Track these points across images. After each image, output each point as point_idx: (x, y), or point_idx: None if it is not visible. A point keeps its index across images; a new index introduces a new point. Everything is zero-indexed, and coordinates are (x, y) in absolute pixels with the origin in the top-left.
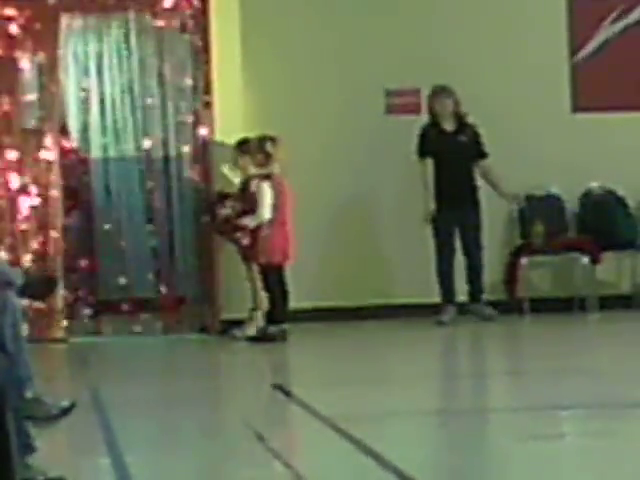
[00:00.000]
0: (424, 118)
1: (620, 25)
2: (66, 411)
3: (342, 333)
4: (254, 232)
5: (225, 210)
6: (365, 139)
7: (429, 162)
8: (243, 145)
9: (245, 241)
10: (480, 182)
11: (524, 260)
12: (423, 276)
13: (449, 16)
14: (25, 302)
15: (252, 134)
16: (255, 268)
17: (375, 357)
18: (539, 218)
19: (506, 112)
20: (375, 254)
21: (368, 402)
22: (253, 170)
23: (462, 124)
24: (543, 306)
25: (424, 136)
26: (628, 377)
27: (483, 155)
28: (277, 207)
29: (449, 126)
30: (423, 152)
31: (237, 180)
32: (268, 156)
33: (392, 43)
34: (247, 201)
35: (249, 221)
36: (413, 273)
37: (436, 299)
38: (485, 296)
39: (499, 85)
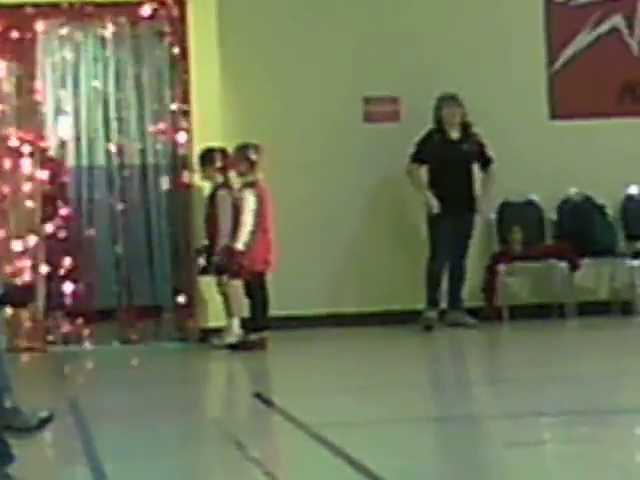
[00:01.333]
0: (403, 126)
1: (596, 33)
2: (45, 422)
3: (322, 341)
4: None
5: (215, 259)
6: (344, 147)
7: (422, 168)
8: (206, 155)
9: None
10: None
11: (502, 267)
12: (405, 283)
13: (429, 25)
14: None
15: (231, 142)
16: (228, 279)
17: (356, 365)
18: (517, 225)
19: (484, 120)
20: (355, 261)
21: (349, 410)
22: (220, 179)
23: (467, 133)
24: (522, 313)
25: (425, 142)
26: (608, 383)
27: (489, 161)
28: (259, 215)
29: (454, 134)
30: (419, 158)
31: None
32: (251, 164)
33: (371, 51)
34: (215, 213)
35: (240, 245)
36: (395, 280)
37: (417, 306)
38: (464, 303)
39: (477, 93)
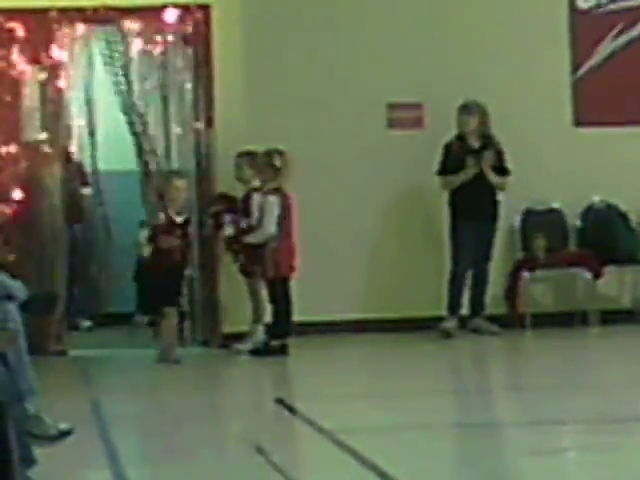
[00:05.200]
0: (427, 132)
1: (622, 40)
2: (64, 434)
3: (344, 347)
4: (258, 247)
5: (228, 229)
6: (367, 153)
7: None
8: (248, 156)
9: (244, 258)
10: (501, 197)
11: (525, 274)
12: (427, 289)
13: (452, 31)
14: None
15: (255, 148)
16: (258, 282)
17: (378, 371)
18: (541, 232)
19: (508, 126)
20: (378, 267)
21: (371, 416)
22: (256, 183)
23: (488, 142)
24: (545, 321)
25: (446, 154)
26: (630, 392)
27: (503, 171)
28: (283, 220)
29: (474, 143)
30: (444, 170)
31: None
32: (276, 170)
33: (396, 56)
34: (249, 215)
35: (252, 238)
36: (418, 286)
37: (439, 313)
38: (486, 310)
39: (501, 100)
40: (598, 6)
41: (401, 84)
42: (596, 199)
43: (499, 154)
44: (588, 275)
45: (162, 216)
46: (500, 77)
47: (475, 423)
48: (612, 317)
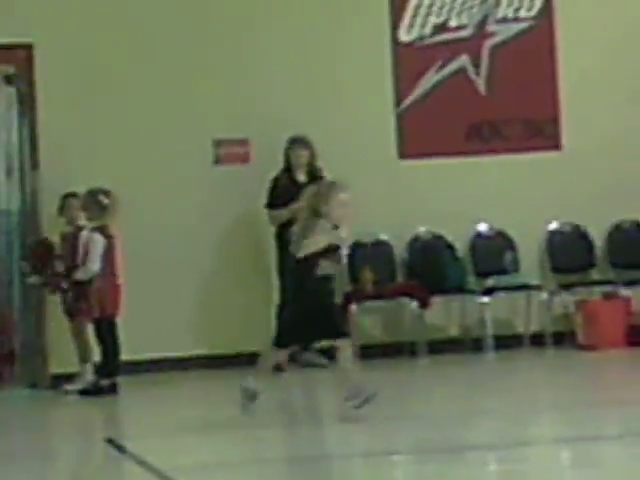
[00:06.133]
0: (253, 167)
1: (443, 73)
2: None
3: (174, 384)
4: (83, 286)
5: (32, 278)
6: (194, 189)
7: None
8: (72, 197)
9: (71, 296)
10: None
11: (354, 307)
12: (257, 323)
13: (279, 68)
14: None
15: (80, 188)
16: (84, 321)
17: (208, 406)
18: (368, 264)
19: (334, 160)
20: (207, 303)
21: (201, 452)
22: (82, 221)
23: (315, 176)
24: (375, 352)
25: (275, 186)
26: (458, 420)
27: None
28: (108, 259)
29: (301, 177)
30: (273, 204)
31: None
32: (102, 208)
33: (222, 94)
34: (75, 253)
35: (80, 274)
36: (247, 320)
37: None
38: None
39: (326, 134)
40: (420, 39)
41: (227, 120)
42: (422, 230)
43: None
44: (415, 306)
45: None
46: (326, 113)
47: (303, 456)
48: (440, 346)
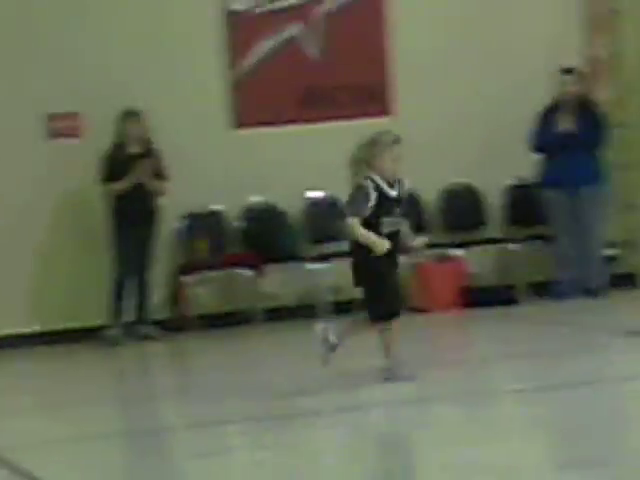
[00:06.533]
0: (85, 142)
1: (276, 41)
2: None
3: (11, 362)
4: None
5: None
6: (27, 164)
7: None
8: None
9: None
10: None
11: (189, 278)
12: (90, 299)
13: (109, 40)
14: None
15: None
16: None
17: (45, 384)
18: (202, 235)
19: (167, 130)
20: (43, 279)
21: (33, 431)
22: None
23: (148, 148)
24: (211, 322)
25: (108, 160)
26: (292, 387)
27: (162, 177)
28: None
29: (134, 149)
30: (107, 177)
31: None
32: None
33: (51, 67)
34: None
35: None
36: (81, 296)
37: (103, 322)
38: (150, 315)
39: (160, 108)
40: (253, 7)
41: (58, 94)
42: (255, 199)
43: (157, 159)
44: (250, 274)
45: None
46: (158, 85)
47: (141, 430)
48: (276, 314)
